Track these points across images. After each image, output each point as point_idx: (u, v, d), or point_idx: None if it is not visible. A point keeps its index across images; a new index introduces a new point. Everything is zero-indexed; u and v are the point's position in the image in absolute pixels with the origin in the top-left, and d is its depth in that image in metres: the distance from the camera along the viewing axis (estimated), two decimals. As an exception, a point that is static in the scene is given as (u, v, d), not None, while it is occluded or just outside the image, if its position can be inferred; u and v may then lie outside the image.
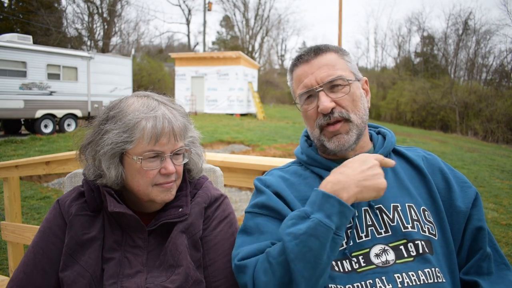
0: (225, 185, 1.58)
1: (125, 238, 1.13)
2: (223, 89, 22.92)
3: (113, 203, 1.10)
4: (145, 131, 1.07)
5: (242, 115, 23.06)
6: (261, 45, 47.90)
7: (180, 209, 1.16)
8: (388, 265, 1.03)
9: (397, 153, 1.26)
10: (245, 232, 1.14)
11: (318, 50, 1.18)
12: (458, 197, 1.14)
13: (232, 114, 22.46)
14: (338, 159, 1.20)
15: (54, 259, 1.10)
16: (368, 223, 1.09)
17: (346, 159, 1.17)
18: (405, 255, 1.04)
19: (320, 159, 1.22)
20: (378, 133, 1.32)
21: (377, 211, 1.10)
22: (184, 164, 1.22)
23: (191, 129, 1.23)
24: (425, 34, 41.07)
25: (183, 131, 1.15)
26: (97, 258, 1.08)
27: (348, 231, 1.08)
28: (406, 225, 1.07)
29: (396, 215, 1.09)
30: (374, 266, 1.03)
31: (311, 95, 1.17)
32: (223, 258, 1.18)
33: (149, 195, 1.11)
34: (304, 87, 1.17)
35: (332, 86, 1.14)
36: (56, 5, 30.08)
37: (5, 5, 27.75)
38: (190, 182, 1.26)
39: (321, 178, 1.19)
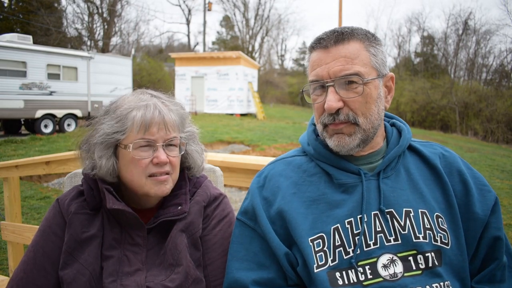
0: (225, 185, 1.58)
1: (124, 236, 1.13)
2: (223, 89, 22.91)
3: (112, 200, 1.10)
4: (135, 119, 1.10)
5: (242, 115, 23.05)
6: (261, 45, 47.92)
7: (179, 207, 1.16)
8: (396, 278, 0.97)
9: (411, 149, 1.16)
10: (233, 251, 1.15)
11: (340, 37, 1.03)
12: (476, 202, 1.06)
13: (232, 114, 22.45)
14: (346, 155, 1.11)
15: (54, 258, 1.10)
16: (378, 229, 1.02)
17: (354, 157, 1.11)
18: (414, 268, 0.98)
19: (328, 154, 1.12)
20: (393, 125, 1.20)
21: (388, 216, 1.03)
22: (184, 161, 1.22)
23: (188, 124, 1.24)
24: (425, 34, 41.07)
25: (177, 123, 1.16)
26: (96, 256, 1.09)
27: (356, 238, 1.01)
28: (417, 235, 1.01)
29: (408, 222, 1.02)
30: (381, 279, 0.97)
31: (322, 85, 1.05)
32: (222, 257, 1.17)
33: (143, 187, 1.11)
34: (315, 76, 1.05)
35: (345, 82, 1.02)
36: (56, 5, 30.06)
37: (5, 5, 27.75)
38: (189, 180, 1.26)
39: (328, 174, 1.11)
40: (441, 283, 0.97)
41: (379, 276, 0.97)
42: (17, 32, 24.62)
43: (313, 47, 1.09)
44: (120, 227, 1.14)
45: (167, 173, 1.14)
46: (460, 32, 36.70)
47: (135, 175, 1.11)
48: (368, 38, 1.07)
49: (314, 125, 1.21)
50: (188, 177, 1.26)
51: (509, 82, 33.68)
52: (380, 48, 1.08)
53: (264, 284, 1.05)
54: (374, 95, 1.04)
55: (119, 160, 1.14)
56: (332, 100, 1.02)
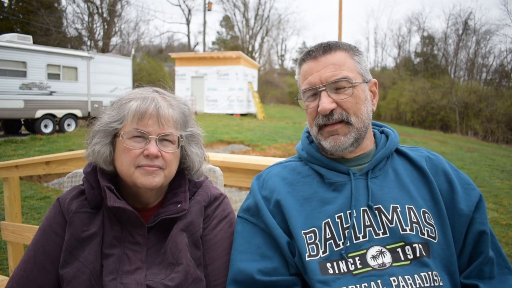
0: (225, 185, 1.58)
1: (124, 235, 1.14)
2: (223, 89, 22.91)
3: (113, 198, 1.11)
4: (130, 109, 1.13)
5: (242, 115, 23.06)
6: (261, 45, 47.93)
7: (179, 205, 1.16)
8: (384, 268, 1.02)
9: (399, 153, 1.24)
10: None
11: (327, 48, 1.15)
12: (461, 199, 1.12)
13: (232, 114, 22.45)
14: (338, 157, 1.19)
15: (54, 257, 1.11)
16: (366, 224, 1.08)
17: (346, 159, 1.19)
18: (402, 258, 1.03)
19: (320, 157, 1.21)
20: (382, 132, 1.30)
21: (376, 211, 1.09)
22: (183, 161, 1.23)
23: (192, 124, 1.24)
24: (425, 34, 41.10)
25: (175, 119, 1.17)
26: (96, 254, 1.09)
27: (346, 231, 1.07)
28: (404, 227, 1.06)
29: (395, 216, 1.08)
30: (370, 268, 1.02)
31: (314, 93, 1.15)
32: (223, 257, 1.18)
33: (131, 176, 1.11)
34: (308, 84, 1.15)
35: (336, 87, 1.12)
36: (56, 5, 30.06)
37: (5, 5, 27.76)
38: (189, 180, 1.26)
39: (320, 175, 1.19)
40: (429, 273, 1.01)
41: (368, 265, 1.03)
42: (17, 32, 24.62)
43: (303, 60, 1.20)
44: (120, 226, 1.15)
45: (158, 168, 1.13)
46: (460, 32, 36.73)
47: (124, 164, 1.12)
48: (352, 49, 1.19)
49: (307, 132, 1.31)
50: (188, 177, 1.26)
51: (509, 82, 33.70)
52: (363, 57, 1.20)
53: (268, 273, 1.09)
54: (362, 96, 1.15)
55: (115, 150, 1.16)
56: (325, 102, 1.11)
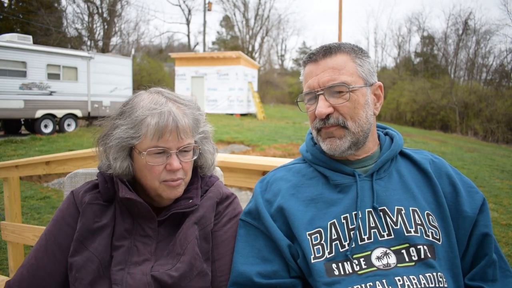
0: (225, 185, 1.58)
1: (135, 227, 1.17)
2: (223, 89, 22.92)
3: (125, 190, 1.14)
4: (149, 127, 1.11)
5: (242, 115, 23.06)
6: (261, 45, 47.92)
7: (191, 200, 1.20)
8: (389, 268, 1.02)
9: (404, 155, 1.25)
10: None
11: (327, 51, 1.15)
12: (465, 202, 1.13)
13: (232, 114, 22.45)
14: (341, 159, 1.20)
15: (64, 247, 1.14)
16: (372, 225, 1.08)
17: (349, 160, 1.19)
18: (407, 260, 1.03)
19: (324, 158, 1.21)
20: (386, 134, 1.30)
21: (381, 213, 1.09)
22: (196, 160, 1.25)
23: (203, 124, 1.26)
24: (425, 34, 41.08)
25: (191, 127, 1.18)
26: (106, 245, 1.12)
27: (351, 232, 1.08)
28: (409, 229, 1.07)
29: (399, 218, 1.08)
30: (375, 268, 1.03)
31: (314, 96, 1.16)
32: (230, 254, 1.21)
33: (156, 190, 1.16)
34: (307, 87, 1.17)
35: (334, 91, 1.12)
36: (56, 5, 30.04)
37: (5, 5, 27.75)
38: (201, 177, 1.29)
39: (325, 177, 1.20)
40: (434, 274, 1.01)
41: (373, 266, 1.04)
42: (17, 32, 24.62)
43: (305, 62, 1.21)
44: (132, 218, 1.17)
45: (180, 179, 1.17)
46: (460, 32, 36.72)
47: (148, 180, 1.15)
48: (355, 51, 1.16)
49: (311, 134, 1.30)
50: (200, 174, 1.29)
51: (509, 82, 33.70)
52: (367, 59, 1.18)
53: (267, 276, 1.10)
54: (362, 101, 1.14)
55: (134, 161, 1.17)
56: (322, 107, 1.12)
